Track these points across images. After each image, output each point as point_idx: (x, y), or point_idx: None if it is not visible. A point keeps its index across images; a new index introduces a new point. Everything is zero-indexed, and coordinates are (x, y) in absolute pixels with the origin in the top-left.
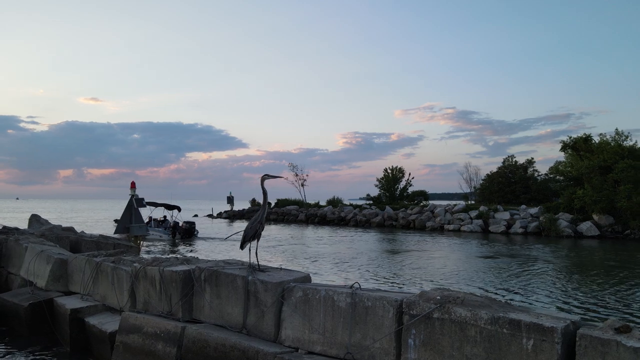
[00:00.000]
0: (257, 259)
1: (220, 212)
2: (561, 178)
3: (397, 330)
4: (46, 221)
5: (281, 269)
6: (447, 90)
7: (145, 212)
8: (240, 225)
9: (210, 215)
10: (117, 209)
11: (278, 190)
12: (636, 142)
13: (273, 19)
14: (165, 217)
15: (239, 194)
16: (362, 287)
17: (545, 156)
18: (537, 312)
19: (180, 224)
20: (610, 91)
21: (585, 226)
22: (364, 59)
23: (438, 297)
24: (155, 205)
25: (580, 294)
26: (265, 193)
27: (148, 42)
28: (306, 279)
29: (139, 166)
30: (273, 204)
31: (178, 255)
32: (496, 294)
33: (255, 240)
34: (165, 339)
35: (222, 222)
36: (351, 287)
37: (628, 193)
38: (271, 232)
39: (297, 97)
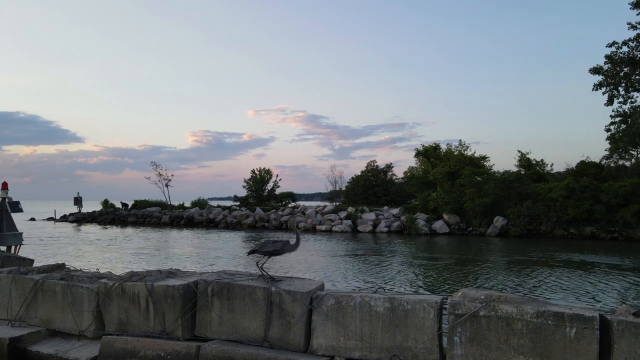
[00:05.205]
0: (265, 270)
1: (66, 215)
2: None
3: (441, 330)
4: None
5: (292, 277)
6: (299, 93)
7: None
8: (92, 230)
9: (52, 219)
10: None
11: (137, 191)
12: (475, 151)
13: (120, 3)
14: None
15: (73, 193)
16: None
17: (384, 160)
18: (566, 305)
19: None
20: (437, 105)
21: (438, 224)
22: (217, 56)
23: (482, 297)
24: None
25: (441, 280)
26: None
27: None
28: (322, 286)
29: None
30: (130, 205)
31: (160, 269)
32: (373, 284)
33: (267, 257)
34: None
35: (68, 227)
36: (375, 291)
37: (471, 196)
38: (127, 233)
39: (144, 90)
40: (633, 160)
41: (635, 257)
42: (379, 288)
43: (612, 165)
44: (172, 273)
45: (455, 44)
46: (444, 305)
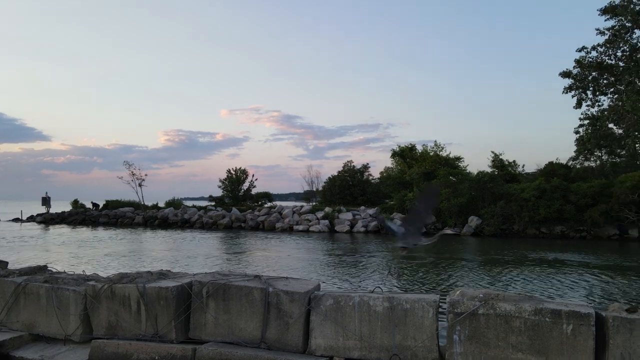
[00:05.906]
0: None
1: (33, 215)
2: (380, 178)
3: (438, 328)
4: None
5: (287, 277)
6: (273, 93)
7: None
8: (62, 231)
9: (17, 219)
10: None
11: (107, 191)
12: (450, 152)
13: None
14: None
15: (39, 192)
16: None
17: (358, 161)
18: (562, 302)
19: None
20: (410, 106)
21: None
22: (190, 54)
23: (481, 295)
24: None
25: (415, 278)
26: None
27: None
28: (318, 286)
29: None
30: (102, 206)
31: (151, 270)
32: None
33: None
34: None
35: (35, 228)
36: (372, 291)
37: (447, 196)
38: (99, 234)
39: (114, 88)
40: (598, 161)
41: (603, 255)
42: (376, 287)
43: (578, 166)
44: (163, 274)
45: (428, 47)
46: (441, 304)
